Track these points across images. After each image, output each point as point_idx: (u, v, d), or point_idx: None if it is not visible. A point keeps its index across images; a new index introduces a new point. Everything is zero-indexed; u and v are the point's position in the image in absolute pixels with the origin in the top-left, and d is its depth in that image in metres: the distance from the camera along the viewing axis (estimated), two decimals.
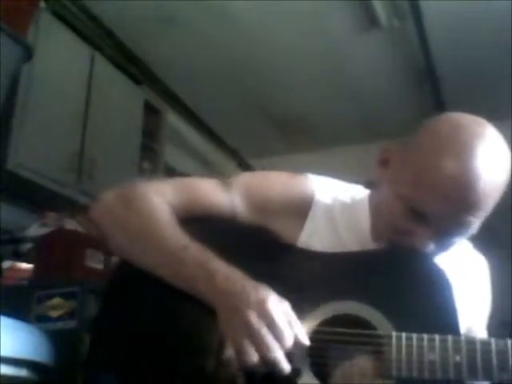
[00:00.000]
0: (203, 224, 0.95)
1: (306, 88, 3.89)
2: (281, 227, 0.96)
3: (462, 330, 0.89)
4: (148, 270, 0.90)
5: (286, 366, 0.76)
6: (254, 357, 0.75)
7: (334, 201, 1.00)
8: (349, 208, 1.00)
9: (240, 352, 0.76)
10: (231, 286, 0.81)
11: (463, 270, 0.99)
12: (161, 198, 0.95)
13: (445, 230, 0.86)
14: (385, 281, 0.86)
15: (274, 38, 3.36)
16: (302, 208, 0.98)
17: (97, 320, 0.98)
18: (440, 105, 3.86)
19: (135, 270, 0.91)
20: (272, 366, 0.76)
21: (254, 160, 4.82)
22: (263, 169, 4.18)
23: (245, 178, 1.03)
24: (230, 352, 0.78)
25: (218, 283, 0.82)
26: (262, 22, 3.21)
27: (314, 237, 0.96)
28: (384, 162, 0.95)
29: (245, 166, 4.80)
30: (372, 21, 3.14)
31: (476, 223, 0.86)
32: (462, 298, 0.88)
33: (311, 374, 0.80)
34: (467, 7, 3.04)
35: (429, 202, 0.84)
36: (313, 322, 0.83)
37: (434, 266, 0.87)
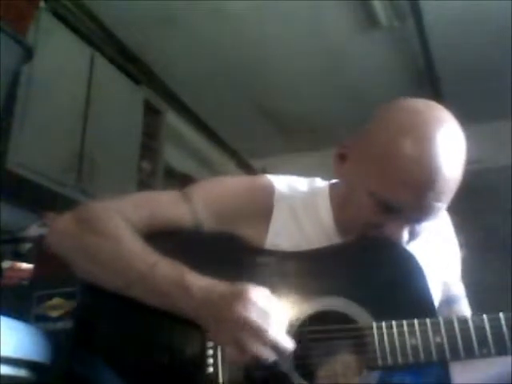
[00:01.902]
0: (168, 238, 0.94)
1: (306, 88, 3.89)
2: (246, 231, 0.95)
3: (439, 288, 0.95)
4: (118, 291, 0.88)
5: (289, 344, 0.77)
6: (255, 345, 0.75)
7: (292, 192, 1.00)
8: (307, 197, 1.00)
9: (241, 346, 0.76)
10: (209, 295, 0.81)
11: (432, 228, 0.99)
12: (120, 216, 0.92)
13: (415, 218, 0.87)
14: (359, 273, 0.88)
15: (274, 38, 3.36)
16: (264, 209, 0.97)
17: (74, 332, 0.97)
18: (440, 104, 3.85)
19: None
20: (275, 349, 0.76)
21: (253, 160, 4.82)
22: (263, 169, 4.16)
23: (203, 187, 1.01)
24: (230, 352, 0.78)
25: (194, 295, 0.81)
26: (262, 22, 3.21)
27: (280, 235, 0.96)
28: (341, 157, 0.96)
29: (245, 166, 4.80)
30: (372, 21, 3.14)
31: (444, 207, 0.88)
32: (432, 258, 0.92)
33: (297, 376, 0.80)
34: (467, 7, 3.04)
35: (396, 194, 0.85)
36: (294, 323, 0.83)
37: (401, 249, 0.88)
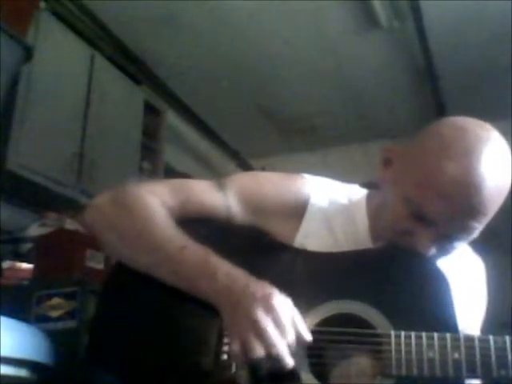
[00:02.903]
0: (199, 225, 0.94)
1: (306, 88, 3.89)
2: (277, 228, 0.96)
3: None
4: (145, 270, 0.89)
5: (289, 361, 0.76)
6: (259, 351, 0.75)
7: (330, 202, 1.00)
8: (345, 209, 1.00)
9: (246, 346, 0.75)
10: (233, 283, 0.81)
11: (461, 272, 0.99)
12: (156, 199, 0.94)
13: (447, 233, 0.86)
14: (383, 280, 0.87)
15: (274, 39, 3.36)
16: (297, 209, 0.98)
17: (95, 319, 0.97)
18: (440, 105, 3.86)
19: (133, 269, 0.91)
20: (276, 362, 0.76)
21: (254, 160, 4.81)
22: (263, 169, 4.16)
23: (239, 179, 1.02)
24: (234, 347, 0.77)
25: (219, 281, 0.82)
26: (262, 22, 3.21)
27: (309, 238, 0.96)
28: (387, 162, 0.96)
29: (245, 166, 4.80)
30: (372, 21, 3.14)
31: (478, 228, 0.87)
32: (459, 301, 0.88)
33: (310, 375, 0.80)
34: (467, 7, 3.04)
35: (432, 205, 0.84)
36: (311, 322, 0.83)
37: (432, 264, 0.88)
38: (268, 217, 0.97)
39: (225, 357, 0.81)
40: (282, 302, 0.79)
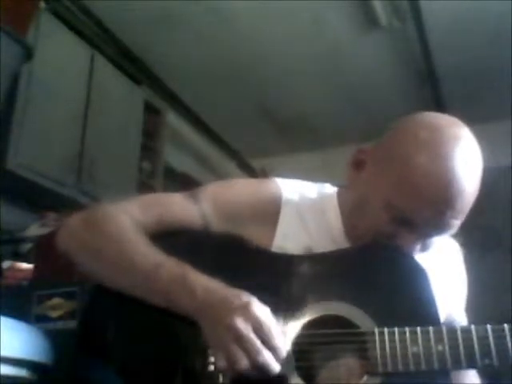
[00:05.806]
0: (176, 238, 0.94)
1: (306, 88, 3.89)
2: (253, 233, 0.95)
3: (443, 317, 0.91)
4: (123, 290, 0.88)
5: (276, 367, 0.76)
6: (244, 361, 0.74)
7: (301, 198, 1.00)
8: (316, 204, 1.01)
9: (230, 358, 0.75)
10: (211, 297, 0.80)
11: (437, 257, 0.99)
12: (128, 217, 0.93)
13: (429, 233, 0.88)
14: (363, 278, 0.88)
15: (274, 38, 3.36)
16: (272, 212, 0.98)
17: (80, 332, 0.97)
18: (440, 105, 3.86)
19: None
20: (262, 369, 0.75)
21: (253, 160, 4.82)
22: (263, 169, 4.15)
23: (212, 189, 1.02)
24: (220, 362, 0.77)
25: (198, 296, 0.81)
26: (262, 22, 3.22)
27: (287, 239, 0.96)
28: (358, 164, 0.96)
29: (245, 166, 4.80)
30: (372, 21, 3.14)
31: (458, 224, 0.88)
32: (439, 286, 0.90)
33: (298, 378, 0.80)
34: (467, 7, 3.04)
35: (416, 210, 0.86)
36: (296, 326, 0.83)
37: (410, 259, 0.89)
38: (244, 223, 0.97)
39: (211, 368, 0.81)
40: (260, 309, 0.78)
